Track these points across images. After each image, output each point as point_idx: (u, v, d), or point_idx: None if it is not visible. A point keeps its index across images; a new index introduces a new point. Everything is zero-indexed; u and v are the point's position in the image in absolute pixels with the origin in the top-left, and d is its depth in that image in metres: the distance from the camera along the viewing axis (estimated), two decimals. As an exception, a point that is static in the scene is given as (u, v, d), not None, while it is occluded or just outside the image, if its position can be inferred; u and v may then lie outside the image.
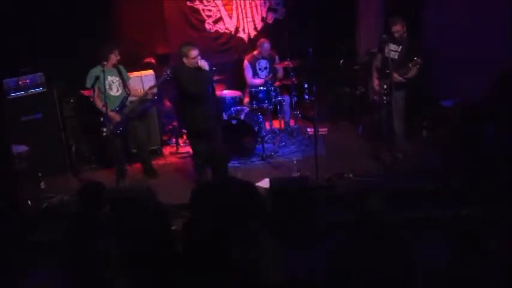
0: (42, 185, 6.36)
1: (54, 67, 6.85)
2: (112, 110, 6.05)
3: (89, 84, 6.04)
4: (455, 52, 6.71)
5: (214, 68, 5.96)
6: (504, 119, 5.94)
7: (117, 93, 6.18)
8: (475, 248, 3.07)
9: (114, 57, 6.10)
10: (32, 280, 4.68)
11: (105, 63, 5.97)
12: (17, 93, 6.59)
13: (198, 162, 5.99)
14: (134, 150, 6.71)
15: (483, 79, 6.23)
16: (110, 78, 6.12)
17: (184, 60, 5.68)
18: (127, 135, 6.34)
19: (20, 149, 6.09)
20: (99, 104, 6.03)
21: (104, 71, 5.91)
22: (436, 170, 5.78)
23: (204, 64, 5.68)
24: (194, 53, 5.65)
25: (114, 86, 6.15)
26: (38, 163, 6.30)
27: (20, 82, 6.59)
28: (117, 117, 6.08)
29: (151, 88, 6.28)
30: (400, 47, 6.07)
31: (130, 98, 6.27)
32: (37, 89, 6.69)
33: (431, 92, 7.14)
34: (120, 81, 6.18)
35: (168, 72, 6.10)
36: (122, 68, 6.25)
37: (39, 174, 6.38)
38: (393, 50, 6.13)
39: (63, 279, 3.28)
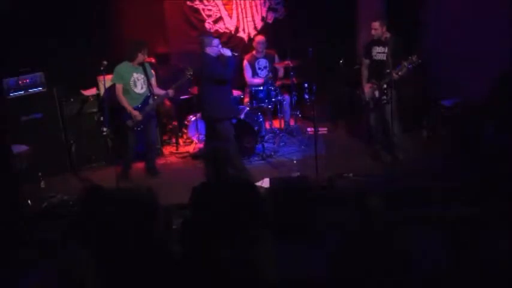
0: (42, 184, 6.37)
1: (54, 67, 6.85)
2: (135, 108, 6.12)
3: (115, 80, 6.10)
4: (455, 52, 6.71)
5: (236, 54, 6.08)
6: (504, 119, 5.94)
7: (142, 91, 6.22)
8: (475, 248, 3.07)
9: (141, 56, 6.15)
10: (32, 280, 4.68)
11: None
12: (17, 93, 6.59)
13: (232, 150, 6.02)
14: None
15: (483, 79, 6.23)
16: (135, 75, 6.16)
17: (208, 49, 5.92)
18: (142, 132, 6.33)
19: (20, 149, 6.10)
20: (124, 100, 6.08)
21: (130, 68, 6.07)
22: (436, 170, 5.78)
23: (226, 52, 5.93)
24: (216, 41, 6.00)
25: (138, 83, 6.19)
26: (38, 163, 6.31)
27: (20, 82, 6.60)
28: (140, 115, 6.12)
29: (173, 87, 6.35)
30: (386, 48, 6.10)
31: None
32: (37, 89, 6.70)
33: (431, 92, 7.14)
34: (145, 78, 6.22)
35: (191, 72, 6.24)
36: (147, 65, 6.31)
37: (39, 174, 6.39)
38: (380, 52, 6.22)
39: (61, 279, 3.28)
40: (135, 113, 6.12)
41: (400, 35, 6.18)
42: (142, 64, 6.21)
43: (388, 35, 6.15)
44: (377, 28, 6.19)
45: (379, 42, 6.21)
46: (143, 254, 2.84)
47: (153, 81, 6.42)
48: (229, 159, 5.80)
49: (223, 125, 6.08)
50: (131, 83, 6.11)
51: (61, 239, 3.38)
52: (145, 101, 6.23)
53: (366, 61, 6.43)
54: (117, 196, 3.13)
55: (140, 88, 6.20)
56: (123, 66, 6.09)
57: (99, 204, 3.41)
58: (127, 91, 6.11)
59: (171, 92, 6.37)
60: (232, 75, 6.08)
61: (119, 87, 6.08)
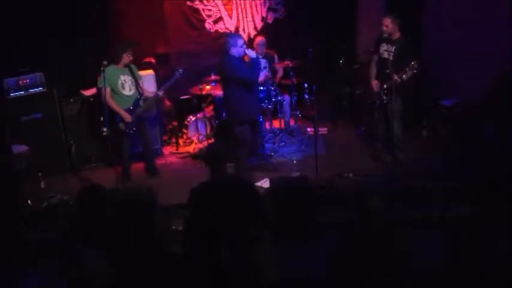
0: (42, 185, 6.37)
1: (54, 67, 6.85)
2: (125, 110, 6.11)
3: (101, 83, 6.06)
4: (455, 52, 6.71)
5: (260, 57, 5.99)
6: (504, 119, 5.94)
7: (130, 93, 6.21)
8: (475, 248, 3.06)
9: (126, 58, 6.13)
10: (32, 280, 4.68)
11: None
12: (17, 93, 6.59)
13: (244, 155, 5.97)
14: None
15: (483, 79, 6.23)
16: (122, 77, 6.14)
17: (232, 50, 5.71)
18: (137, 134, 6.33)
19: (20, 149, 6.10)
20: (113, 103, 6.07)
21: (116, 70, 6.03)
22: (436, 170, 5.77)
23: (251, 53, 5.79)
24: (241, 41, 5.78)
25: (126, 85, 6.18)
26: (38, 163, 6.31)
27: (20, 82, 6.60)
28: (130, 117, 6.12)
29: (163, 88, 6.35)
30: (394, 47, 6.05)
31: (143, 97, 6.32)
32: (37, 89, 6.69)
33: (431, 92, 7.14)
34: (133, 80, 6.21)
35: (181, 71, 6.21)
36: (133, 67, 6.28)
37: (39, 174, 6.39)
38: (387, 51, 6.14)
39: (60, 279, 3.28)
40: (126, 115, 6.10)
41: (410, 36, 6.13)
42: (128, 66, 6.19)
43: (398, 35, 6.10)
44: (388, 25, 6.03)
45: (388, 40, 6.11)
46: (143, 254, 2.84)
47: (153, 81, 6.43)
48: (230, 160, 5.82)
49: (242, 128, 5.94)
50: (119, 85, 6.09)
51: (61, 239, 3.38)
52: (136, 103, 6.22)
53: (375, 57, 6.35)
54: (117, 196, 3.13)
55: (129, 90, 6.19)
56: (109, 70, 6.02)
57: (99, 204, 3.42)
58: (116, 94, 6.10)
59: (161, 92, 6.38)
60: (258, 77, 5.92)
61: (107, 90, 6.05)
